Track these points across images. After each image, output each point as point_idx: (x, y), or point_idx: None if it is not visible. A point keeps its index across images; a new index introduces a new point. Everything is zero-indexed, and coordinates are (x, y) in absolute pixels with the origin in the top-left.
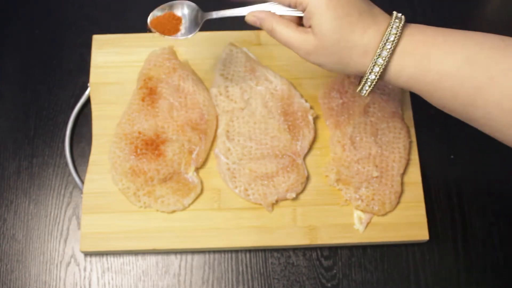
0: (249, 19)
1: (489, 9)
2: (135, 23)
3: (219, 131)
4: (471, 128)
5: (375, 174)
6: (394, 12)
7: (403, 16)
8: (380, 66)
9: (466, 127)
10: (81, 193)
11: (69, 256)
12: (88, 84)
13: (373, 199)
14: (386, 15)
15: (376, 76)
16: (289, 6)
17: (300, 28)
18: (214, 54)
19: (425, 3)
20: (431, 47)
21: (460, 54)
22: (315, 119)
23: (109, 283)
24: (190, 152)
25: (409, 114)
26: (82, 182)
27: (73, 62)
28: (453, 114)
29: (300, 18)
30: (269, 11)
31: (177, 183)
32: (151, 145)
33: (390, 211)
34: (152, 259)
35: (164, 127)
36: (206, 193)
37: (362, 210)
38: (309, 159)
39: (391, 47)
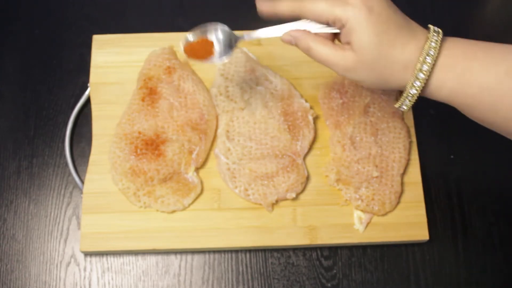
0: (285, 39)
1: (489, 9)
2: (135, 23)
3: (219, 131)
4: (471, 128)
5: (375, 174)
6: (431, 26)
7: (440, 30)
8: (421, 81)
9: (466, 127)
10: (81, 193)
11: (69, 256)
12: (88, 84)
13: (373, 199)
14: (423, 29)
15: (417, 90)
16: (326, 23)
17: (337, 45)
18: None
19: (425, 3)
20: (472, 61)
21: (501, 67)
22: (315, 119)
23: (109, 283)
24: (190, 152)
25: (409, 114)
26: (82, 182)
27: (73, 62)
28: (493, 128)
29: (335, 34)
30: (304, 30)
31: (177, 183)
32: (151, 145)
33: (390, 211)
34: (152, 259)
35: (164, 127)
36: (206, 193)
37: (362, 210)
38: (309, 159)
39: (431, 61)
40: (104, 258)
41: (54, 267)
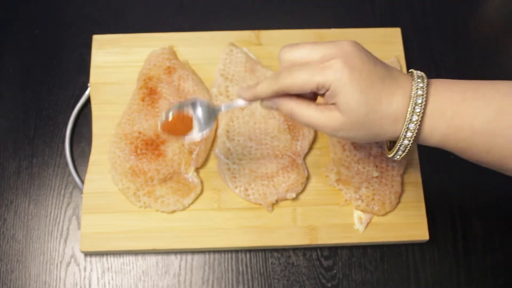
0: (265, 104)
1: (489, 9)
2: (135, 23)
3: (219, 131)
4: None
5: (375, 174)
6: (414, 71)
7: (423, 74)
8: (412, 131)
9: None
10: (81, 193)
11: (69, 256)
12: (88, 84)
13: (373, 199)
14: (406, 75)
15: (409, 141)
16: (311, 92)
17: (321, 107)
18: (214, 54)
19: (425, 3)
20: (461, 104)
21: (490, 108)
22: None
23: (109, 283)
24: (190, 152)
25: None
26: (82, 182)
27: (73, 62)
28: (488, 167)
29: (315, 93)
30: (282, 97)
31: (177, 183)
32: (151, 145)
33: (390, 211)
34: (152, 259)
35: None
36: (206, 193)
37: (362, 210)
38: (309, 159)
39: (420, 110)
40: (104, 258)
41: (54, 267)
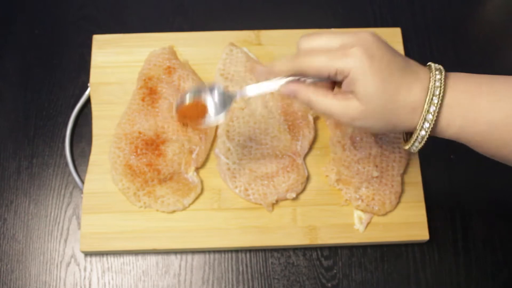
0: (283, 92)
1: (490, 8)
2: (135, 23)
3: (219, 131)
4: None
5: (375, 174)
6: (432, 64)
7: (441, 67)
8: (430, 122)
9: None
10: (81, 193)
11: (69, 256)
12: (88, 84)
13: (373, 199)
14: (424, 68)
15: (426, 132)
16: (329, 77)
17: (339, 95)
18: (214, 54)
19: (425, 3)
20: (477, 97)
21: (506, 102)
22: (315, 119)
23: (109, 283)
24: (190, 152)
25: None
26: (82, 182)
27: (73, 62)
28: (503, 162)
29: (333, 81)
30: (301, 82)
31: (177, 183)
32: (151, 145)
33: (390, 211)
34: (152, 259)
35: (164, 127)
36: (206, 193)
37: (362, 210)
38: (309, 159)
39: (438, 101)
40: (104, 258)
41: (54, 267)
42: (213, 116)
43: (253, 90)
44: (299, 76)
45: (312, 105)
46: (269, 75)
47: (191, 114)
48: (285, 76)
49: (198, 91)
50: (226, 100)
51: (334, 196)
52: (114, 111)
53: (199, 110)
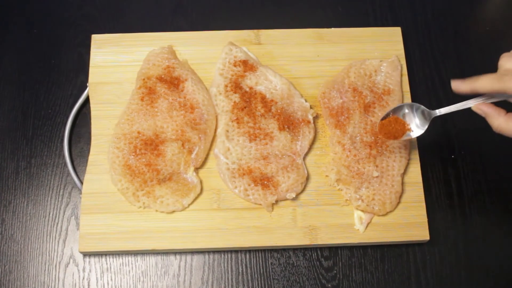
0: (475, 110)
1: (490, 8)
2: (134, 23)
3: (218, 131)
4: (471, 128)
5: (375, 174)
6: None
7: None
8: None
9: (467, 127)
10: (80, 193)
11: (68, 256)
12: (87, 84)
13: (373, 199)
14: None
15: None
16: None
17: None
18: (213, 54)
19: (425, 2)
20: None
21: None
22: (315, 118)
23: (108, 283)
24: (190, 152)
25: None
26: (81, 182)
27: (71, 62)
28: None
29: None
30: (495, 107)
31: (177, 183)
32: (150, 145)
33: (390, 211)
34: (151, 259)
35: (163, 127)
36: (205, 193)
37: (362, 210)
38: (309, 159)
39: None
40: (103, 259)
41: (53, 268)
42: (414, 131)
43: (452, 108)
44: (500, 94)
45: (502, 131)
46: (470, 90)
47: (391, 129)
48: (485, 92)
49: (397, 110)
50: (426, 117)
51: (334, 196)
52: (113, 111)
53: (399, 126)
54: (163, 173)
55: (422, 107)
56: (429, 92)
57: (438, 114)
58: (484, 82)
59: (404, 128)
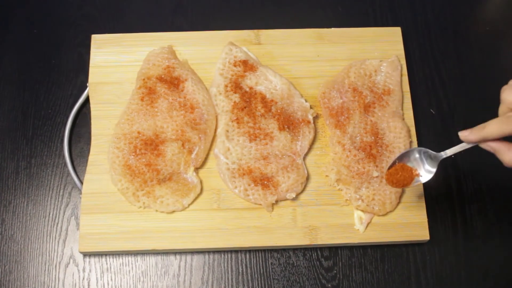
0: (484, 147)
1: (490, 8)
2: (134, 23)
3: (218, 130)
4: (471, 128)
5: (375, 174)
6: None
7: None
8: None
9: (467, 127)
10: (80, 193)
11: (68, 256)
12: (87, 84)
13: (373, 199)
14: None
15: None
16: None
17: None
18: (213, 54)
19: (425, 2)
20: None
21: None
22: (315, 118)
23: (108, 283)
24: (190, 152)
25: (409, 114)
26: (81, 182)
27: (72, 62)
28: None
29: None
30: (503, 141)
31: (177, 183)
32: (150, 145)
33: (390, 211)
34: (151, 259)
35: (163, 127)
36: (205, 193)
37: (362, 210)
38: (309, 159)
39: None
40: (103, 259)
41: (53, 268)
42: (423, 176)
43: (455, 150)
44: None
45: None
46: (480, 139)
47: (398, 177)
48: (495, 138)
49: (402, 157)
50: (433, 160)
51: (334, 196)
52: (113, 111)
53: (407, 173)
54: (163, 173)
55: (429, 151)
56: (429, 92)
57: (444, 156)
58: (492, 128)
59: (412, 175)
